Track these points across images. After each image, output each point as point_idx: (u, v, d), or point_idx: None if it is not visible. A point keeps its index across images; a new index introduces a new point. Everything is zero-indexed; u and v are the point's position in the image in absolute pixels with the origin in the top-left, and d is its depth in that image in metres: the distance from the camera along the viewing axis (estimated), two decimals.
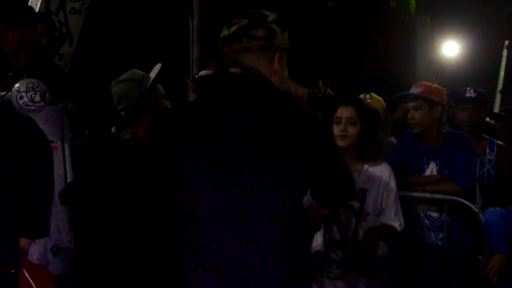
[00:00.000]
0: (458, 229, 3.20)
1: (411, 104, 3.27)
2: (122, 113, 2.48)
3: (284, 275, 1.66)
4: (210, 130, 1.67)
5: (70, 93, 3.37)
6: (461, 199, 3.08)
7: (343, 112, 2.72)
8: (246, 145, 1.64)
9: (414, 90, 3.31)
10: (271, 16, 1.76)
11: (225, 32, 1.76)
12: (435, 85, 3.40)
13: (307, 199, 1.99)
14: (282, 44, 1.78)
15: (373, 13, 13.36)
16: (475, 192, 3.31)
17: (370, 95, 3.68)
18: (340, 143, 2.65)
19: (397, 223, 2.75)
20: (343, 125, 2.69)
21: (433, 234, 3.23)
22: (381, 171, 2.76)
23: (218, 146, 1.65)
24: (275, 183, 1.65)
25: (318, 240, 2.64)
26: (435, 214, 3.24)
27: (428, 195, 3.19)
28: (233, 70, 1.73)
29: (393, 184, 2.77)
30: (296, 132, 1.67)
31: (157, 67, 2.52)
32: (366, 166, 2.75)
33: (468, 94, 3.65)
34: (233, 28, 1.74)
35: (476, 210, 3.05)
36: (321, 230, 2.64)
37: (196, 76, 3.39)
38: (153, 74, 2.50)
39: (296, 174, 1.67)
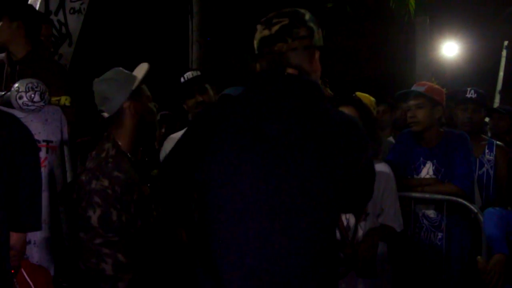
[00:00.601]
0: (457, 230, 3.21)
1: (413, 102, 3.25)
2: (105, 114, 2.33)
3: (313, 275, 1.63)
4: (258, 127, 1.64)
5: (69, 88, 3.36)
6: (460, 200, 3.08)
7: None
8: (294, 146, 1.62)
9: (416, 88, 3.31)
10: (307, 15, 1.75)
11: (265, 33, 1.73)
12: (436, 85, 3.40)
13: None
14: (319, 43, 1.77)
15: (372, 13, 13.36)
16: (474, 192, 3.31)
17: (356, 95, 3.65)
18: None
19: (396, 224, 2.75)
20: None
21: (432, 235, 3.23)
22: (381, 171, 2.76)
23: (265, 144, 1.62)
24: (313, 186, 1.62)
25: None
26: (432, 215, 3.24)
27: (427, 195, 3.19)
28: (290, 70, 1.70)
29: (392, 184, 2.77)
30: (343, 136, 1.66)
31: (144, 66, 2.39)
32: None
33: (468, 95, 3.65)
34: (275, 28, 1.71)
35: (476, 210, 3.05)
36: None
37: (182, 80, 3.22)
38: (139, 74, 2.36)
39: (334, 179, 1.64)
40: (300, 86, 1.69)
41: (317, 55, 1.76)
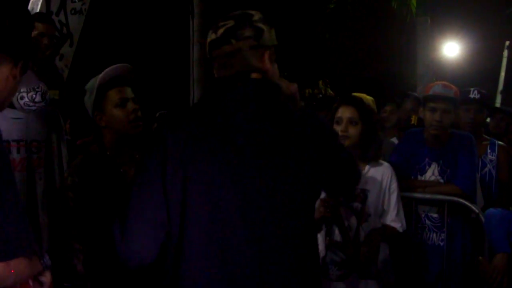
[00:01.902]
0: (459, 230, 3.20)
1: (443, 106, 3.16)
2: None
3: (300, 271, 1.66)
4: (230, 134, 1.62)
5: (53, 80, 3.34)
6: (461, 200, 3.08)
7: (344, 112, 2.70)
8: (270, 149, 1.63)
9: (445, 90, 3.22)
10: (256, 15, 1.74)
11: (212, 36, 1.75)
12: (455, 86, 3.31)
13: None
14: (270, 42, 1.76)
15: (373, 13, 13.36)
16: (476, 192, 3.30)
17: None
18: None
19: (398, 224, 2.74)
20: (344, 125, 2.67)
21: (434, 235, 3.22)
22: (383, 171, 2.75)
23: (239, 150, 1.60)
24: (294, 182, 1.65)
25: (319, 242, 2.63)
26: (435, 215, 3.23)
27: (428, 195, 3.19)
28: (254, 75, 1.71)
29: (394, 185, 2.76)
30: (309, 132, 1.70)
31: (109, 69, 2.30)
32: (367, 166, 2.74)
33: (472, 95, 3.63)
34: (220, 30, 1.71)
35: (477, 210, 3.04)
36: (322, 232, 2.64)
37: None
38: (97, 81, 2.28)
39: (311, 173, 1.68)
40: (262, 89, 1.69)
41: (267, 54, 1.74)
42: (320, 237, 2.60)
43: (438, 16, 10.75)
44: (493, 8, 11.54)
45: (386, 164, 2.82)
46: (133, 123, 2.30)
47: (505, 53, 10.19)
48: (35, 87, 2.83)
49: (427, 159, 3.24)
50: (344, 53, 15.55)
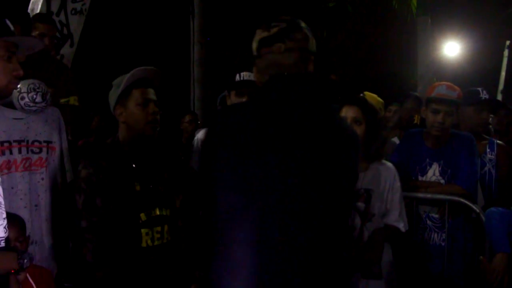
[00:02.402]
0: (460, 230, 3.20)
1: (446, 108, 3.17)
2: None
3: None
4: (289, 131, 1.68)
5: (71, 87, 3.35)
6: (462, 200, 3.08)
7: (348, 111, 2.71)
8: (319, 151, 1.70)
9: (449, 92, 3.21)
10: (303, 23, 1.86)
11: (263, 34, 1.82)
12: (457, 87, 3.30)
13: None
14: (313, 49, 1.86)
15: (374, 13, 13.36)
16: (477, 192, 3.30)
17: (364, 95, 3.62)
18: None
19: (401, 224, 2.74)
20: None
21: (436, 235, 3.22)
22: (386, 171, 2.76)
23: (293, 148, 1.66)
24: (334, 188, 1.72)
25: None
26: (436, 215, 3.24)
27: (429, 195, 3.19)
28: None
29: (397, 184, 2.77)
30: (353, 141, 1.83)
31: (137, 71, 2.36)
32: (370, 166, 2.74)
33: (483, 96, 3.58)
34: (274, 30, 1.80)
35: (478, 210, 3.04)
36: None
37: (238, 77, 3.12)
38: (125, 78, 2.35)
39: (347, 182, 1.78)
40: (322, 89, 1.79)
41: (312, 59, 1.85)
42: None
43: (439, 16, 10.75)
44: (493, 7, 11.53)
45: (389, 164, 2.82)
46: (151, 124, 2.36)
47: (506, 52, 10.18)
48: (36, 87, 2.84)
49: (428, 159, 3.25)
50: (344, 53, 15.55)
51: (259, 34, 1.84)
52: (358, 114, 2.68)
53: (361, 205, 2.62)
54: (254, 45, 1.85)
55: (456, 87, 3.30)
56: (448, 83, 3.40)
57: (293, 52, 1.78)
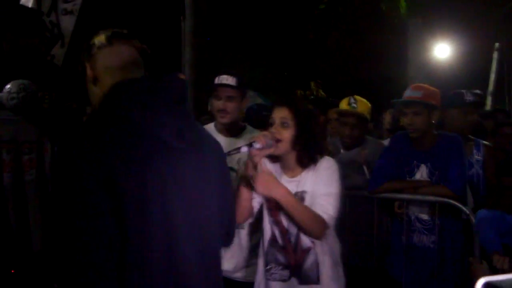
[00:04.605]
0: (450, 232, 3.20)
1: (410, 109, 3.20)
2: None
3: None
4: (159, 135, 1.55)
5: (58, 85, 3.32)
6: (452, 201, 3.08)
7: (277, 113, 2.49)
8: (191, 150, 1.64)
9: (413, 93, 3.24)
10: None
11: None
12: (433, 88, 3.32)
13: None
14: None
15: (364, 15, 13.41)
16: (467, 193, 3.31)
17: (355, 99, 3.59)
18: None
19: (325, 215, 2.39)
20: (276, 127, 2.45)
21: (425, 237, 3.22)
22: (320, 167, 2.49)
23: (168, 151, 1.57)
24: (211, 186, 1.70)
25: (265, 240, 2.54)
26: (426, 217, 3.24)
27: (418, 197, 3.19)
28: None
29: (333, 175, 2.48)
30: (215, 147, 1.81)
31: None
32: (305, 170, 2.50)
33: (467, 98, 3.59)
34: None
35: (468, 212, 3.05)
36: (268, 232, 2.54)
37: (217, 81, 2.97)
38: None
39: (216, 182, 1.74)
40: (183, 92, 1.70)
41: None
42: (266, 236, 2.53)
43: (430, 18, 10.81)
44: (483, 9, 11.61)
45: (327, 158, 2.52)
46: None
47: (495, 54, 10.23)
48: (26, 88, 2.82)
49: (415, 162, 3.24)
50: (335, 55, 15.58)
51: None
52: (286, 116, 2.46)
53: None
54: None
55: (424, 86, 3.33)
56: (415, 84, 3.47)
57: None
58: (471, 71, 12.02)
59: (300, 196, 2.44)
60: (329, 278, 2.49)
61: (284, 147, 2.44)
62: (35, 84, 2.92)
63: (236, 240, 2.82)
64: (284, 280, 2.49)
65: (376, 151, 3.47)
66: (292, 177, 2.51)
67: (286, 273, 2.48)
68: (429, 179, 3.19)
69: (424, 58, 10.70)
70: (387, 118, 4.91)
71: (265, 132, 2.43)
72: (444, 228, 3.18)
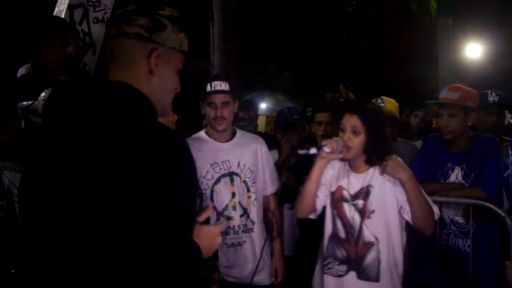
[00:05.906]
0: (485, 234, 3.14)
1: (445, 111, 3.14)
2: None
3: None
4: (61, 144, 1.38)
5: None
6: (486, 203, 3.02)
7: (348, 120, 2.56)
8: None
9: (449, 94, 3.17)
10: (167, 11, 1.52)
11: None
12: (470, 89, 3.23)
13: None
14: (168, 43, 1.51)
15: (394, 16, 13.29)
16: (503, 196, 3.25)
17: (381, 99, 3.57)
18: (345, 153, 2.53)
19: (434, 208, 2.57)
20: (347, 134, 2.54)
21: (460, 240, 3.17)
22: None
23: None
24: None
25: (325, 235, 2.64)
26: (461, 220, 3.18)
27: (452, 199, 3.14)
28: (117, 76, 1.47)
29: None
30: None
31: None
32: (373, 167, 2.61)
33: (491, 98, 3.56)
34: (118, 11, 1.50)
35: (503, 214, 2.99)
36: (329, 227, 2.63)
37: (209, 88, 2.94)
38: None
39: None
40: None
41: (157, 53, 1.47)
42: (328, 231, 2.63)
43: (460, 18, 10.66)
44: None
45: (395, 157, 2.61)
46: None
47: None
48: None
49: (449, 164, 3.19)
50: (365, 57, 15.48)
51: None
52: (357, 124, 2.53)
53: (359, 202, 2.56)
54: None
55: (460, 86, 3.24)
56: (452, 85, 3.39)
57: (127, 38, 1.47)
58: (504, 71, 11.78)
59: (366, 190, 2.56)
60: (388, 278, 2.54)
61: (354, 153, 2.56)
62: None
63: (248, 244, 2.94)
64: (340, 276, 2.56)
65: (407, 153, 3.43)
66: (360, 173, 2.62)
67: (343, 268, 2.57)
68: (464, 182, 3.14)
69: (455, 58, 10.54)
70: (413, 119, 4.81)
71: (337, 138, 2.53)
72: (480, 231, 3.12)
